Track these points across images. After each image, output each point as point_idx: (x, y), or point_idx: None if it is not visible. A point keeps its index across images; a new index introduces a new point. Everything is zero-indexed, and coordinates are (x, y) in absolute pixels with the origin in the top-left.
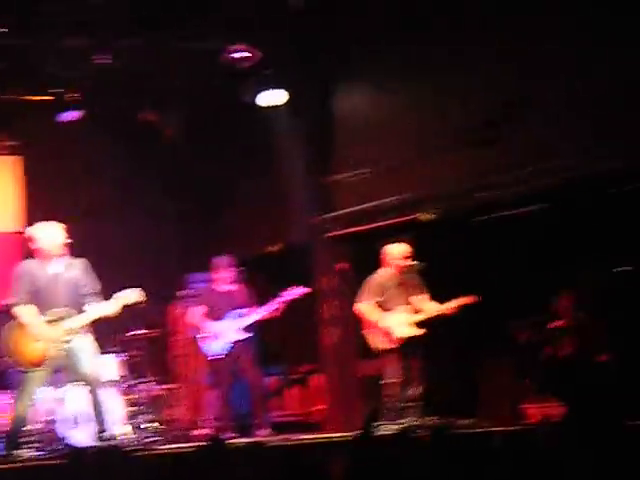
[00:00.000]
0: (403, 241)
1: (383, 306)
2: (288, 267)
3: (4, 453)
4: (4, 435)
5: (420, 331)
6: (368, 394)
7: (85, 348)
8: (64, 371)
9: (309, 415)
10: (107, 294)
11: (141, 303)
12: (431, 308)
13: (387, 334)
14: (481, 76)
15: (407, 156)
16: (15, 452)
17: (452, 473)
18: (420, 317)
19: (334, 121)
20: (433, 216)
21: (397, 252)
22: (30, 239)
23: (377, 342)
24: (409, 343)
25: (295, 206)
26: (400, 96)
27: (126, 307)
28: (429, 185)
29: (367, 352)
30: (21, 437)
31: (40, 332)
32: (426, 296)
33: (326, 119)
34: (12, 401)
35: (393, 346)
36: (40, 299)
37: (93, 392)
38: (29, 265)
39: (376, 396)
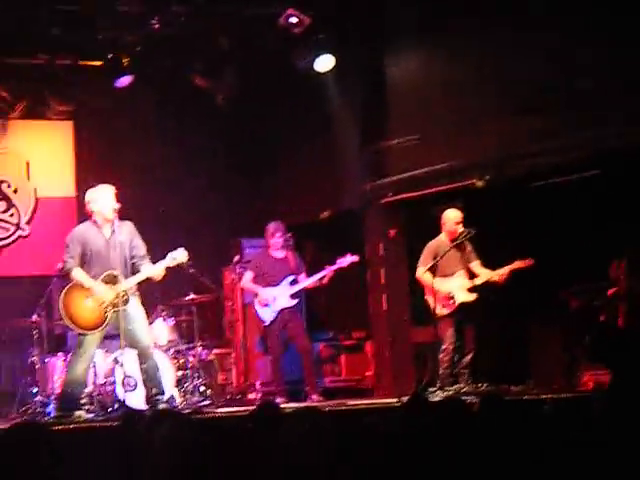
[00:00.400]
0: (455, 207)
1: (440, 271)
2: (339, 234)
3: (59, 414)
4: (60, 396)
5: (475, 297)
6: (419, 360)
7: (137, 312)
8: (117, 334)
9: (360, 381)
10: (159, 257)
11: (187, 263)
12: (486, 273)
13: (446, 299)
14: (533, 42)
15: (459, 121)
16: (70, 413)
17: (502, 440)
18: (475, 282)
19: (386, 87)
20: (484, 183)
21: (452, 218)
22: (84, 203)
23: (436, 307)
24: (465, 309)
25: (346, 172)
26: (452, 62)
27: (174, 268)
28: (481, 151)
29: (418, 319)
30: (77, 399)
31: (94, 294)
32: (479, 262)
33: (378, 85)
34: (68, 364)
35: (451, 311)
36: (93, 262)
37: (145, 356)
38: (81, 229)
39: (427, 362)
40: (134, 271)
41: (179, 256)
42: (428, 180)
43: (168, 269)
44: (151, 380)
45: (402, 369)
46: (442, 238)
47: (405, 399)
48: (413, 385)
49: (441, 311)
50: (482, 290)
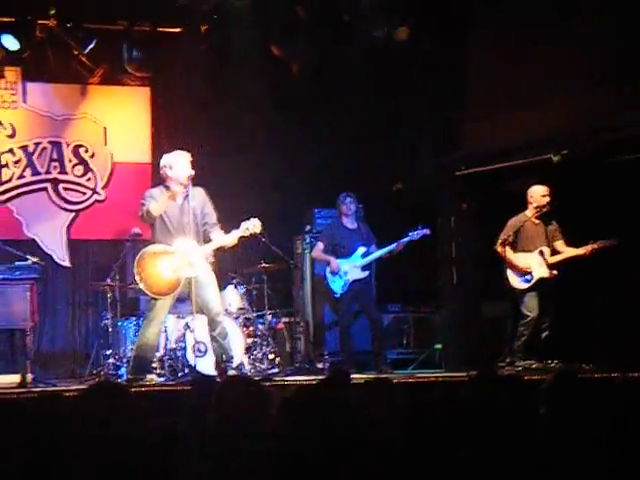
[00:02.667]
0: (532, 182)
1: (522, 246)
2: (411, 206)
3: (131, 377)
4: (132, 360)
5: (554, 273)
6: (489, 334)
7: (209, 279)
8: (189, 300)
9: (429, 354)
10: (232, 225)
11: (261, 234)
12: (567, 251)
13: (524, 274)
14: (613, 10)
15: (536, 93)
16: (142, 377)
17: (570, 417)
18: (556, 259)
19: (464, 59)
20: (560, 157)
21: (539, 191)
22: (159, 167)
23: (514, 282)
24: (543, 285)
25: (420, 145)
26: (532, 32)
27: (247, 238)
28: (558, 124)
29: (489, 293)
30: (149, 363)
31: (186, 260)
32: (562, 241)
33: (456, 56)
34: (140, 327)
35: (529, 286)
36: (166, 226)
37: (215, 323)
38: (155, 191)
39: (497, 336)
40: (205, 238)
41: (252, 226)
42: (502, 154)
43: (240, 238)
44: (220, 346)
45: (471, 343)
46: (527, 214)
47: (474, 373)
48: (482, 359)
49: (519, 285)
50: (562, 268)
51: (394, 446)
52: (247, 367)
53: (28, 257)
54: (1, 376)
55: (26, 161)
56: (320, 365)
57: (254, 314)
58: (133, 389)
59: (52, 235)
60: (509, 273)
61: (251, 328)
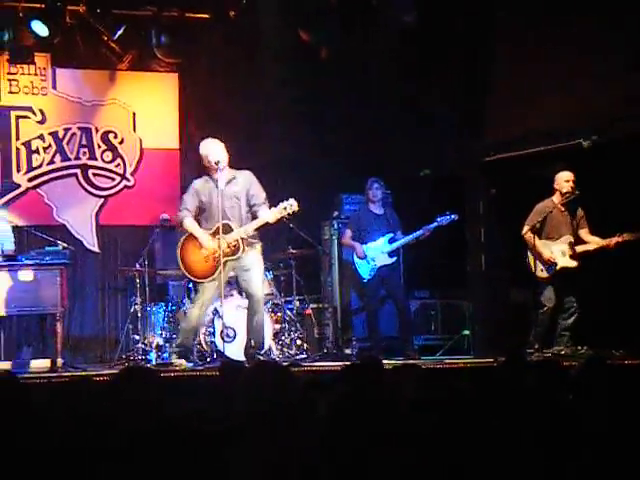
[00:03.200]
0: (561, 168)
1: (546, 234)
2: (439, 192)
3: (175, 360)
4: (179, 344)
5: (576, 264)
6: (516, 321)
7: (254, 262)
8: (231, 284)
9: (457, 340)
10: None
11: (289, 218)
12: (592, 241)
13: (547, 262)
14: None
15: (565, 79)
16: (175, 361)
17: (598, 403)
18: (582, 249)
19: (491, 44)
20: (590, 143)
21: (562, 176)
22: (201, 157)
23: (537, 269)
24: (567, 273)
25: (448, 130)
26: (560, 16)
27: (285, 218)
28: (588, 110)
29: (517, 279)
30: (190, 346)
31: (207, 244)
32: (587, 230)
33: (483, 41)
34: (185, 311)
35: (550, 275)
36: (208, 213)
37: (255, 308)
38: (198, 182)
39: (525, 323)
40: (253, 218)
41: (289, 206)
42: (531, 140)
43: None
44: (254, 332)
45: (499, 329)
46: (554, 200)
47: (502, 359)
48: (510, 345)
49: (541, 273)
50: (585, 258)
51: (426, 432)
52: (275, 352)
53: (58, 242)
54: (32, 361)
55: (56, 147)
56: (348, 351)
57: (282, 300)
58: (162, 374)
59: (82, 221)
60: (532, 260)
61: (279, 314)
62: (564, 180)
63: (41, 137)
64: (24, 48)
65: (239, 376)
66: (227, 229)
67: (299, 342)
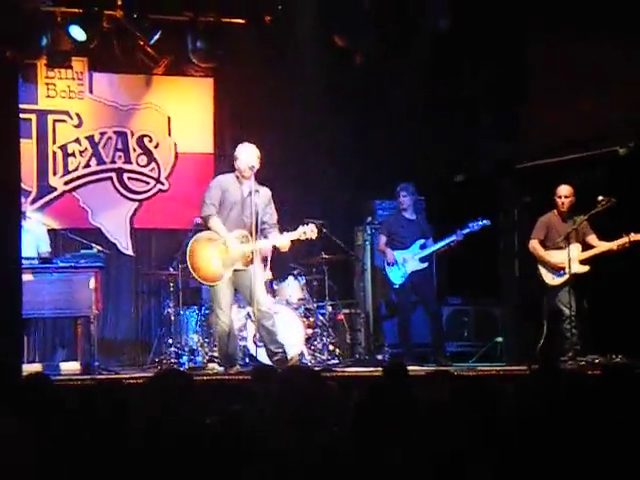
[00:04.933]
0: (596, 176)
1: (553, 244)
2: (472, 198)
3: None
4: (219, 354)
5: (587, 268)
6: (549, 328)
7: (258, 273)
8: (239, 291)
9: (489, 347)
10: (294, 217)
11: (317, 238)
12: (600, 246)
13: (558, 270)
14: None
15: (602, 85)
16: (230, 366)
17: (620, 413)
18: (587, 255)
19: (525, 50)
20: (627, 150)
21: (557, 191)
22: (233, 157)
23: (547, 278)
24: (578, 280)
25: (482, 137)
26: (594, 21)
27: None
28: (625, 116)
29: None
30: (234, 351)
31: (227, 244)
32: (595, 236)
33: (518, 48)
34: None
35: (563, 281)
36: (228, 213)
37: (263, 315)
38: (224, 178)
39: (557, 330)
40: (264, 236)
41: (309, 231)
42: (567, 147)
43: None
44: (271, 337)
45: (533, 336)
46: (555, 212)
47: (535, 367)
48: (544, 353)
49: (552, 281)
50: (599, 261)
51: (455, 437)
52: (307, 357)
53: (93, 246)
54: (64, 363)
55: (92, 150)
56: (380, 357)
57: (314, 305)
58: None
59: (116, 224)
60: (542, 270)
61: (311, 319)
62: (557, 195)
63: (77, 141)
64: (62, 53)
65: (271, 381)
66: (245, 239)
67: (331, 347)
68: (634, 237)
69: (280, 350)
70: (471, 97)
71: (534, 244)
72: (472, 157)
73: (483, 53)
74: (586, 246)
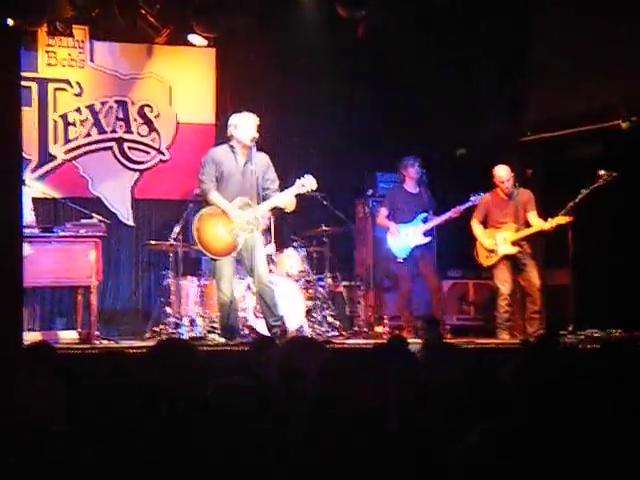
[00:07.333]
0: (596, 150)
1: (490, 223)
2: (474, 171)
3: (224, 336)
4: (221, 326)
5: (517, 250)
6: (550, 303)
7: (259, 243)
8: (240, 262)
9: (489, 321)
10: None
11: (316, 190)
12: (534, 225)
13: (489, 251)
14: None
15: (604, 59)
16: (232, 337)
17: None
18: (518, 236)
19: (530, 24)
20: (629, 124)
21: (498, 175)
22: (227, 126)
23: (482, 258)
24: (511, 259)
25: (484, 110)
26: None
27: (308, 200)
28: (628, 91)
29: (552, 260)
30: (235, 323)
31: (230, 216)
32: (535, 212)
33: (522, 22)
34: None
35: (494, 263)
36: (225, 185)
37: (264, 286)
38: (218, 150)
39: (559, 305)
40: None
41: (307, 183)
42: (568, 120)
43: (302, 201)
44: (272, 309)
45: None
46: (497, 192)
47: (528, 340)
48: (543, 327)
49: (486, 261)
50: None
51: (457, 411)
52: (307, 329)
53: (93, 215)
54: (60, 332)
55: (92, 120)
56: (379, 329)
57: (314, 277)
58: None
59: (117, 194)
60: (480, 250)
61: (311, 291)
62: (500, 180)
63: (78, 110)
64: (63, 20)
65: (271, 352)
66: (247, 206)
67: (330, 319)
68: (561, 220)
69: (279, 323)
70: (475, 71)
71: (473, 223)
72: (474, 130)
73: (486, 26)
74: (527, 223)
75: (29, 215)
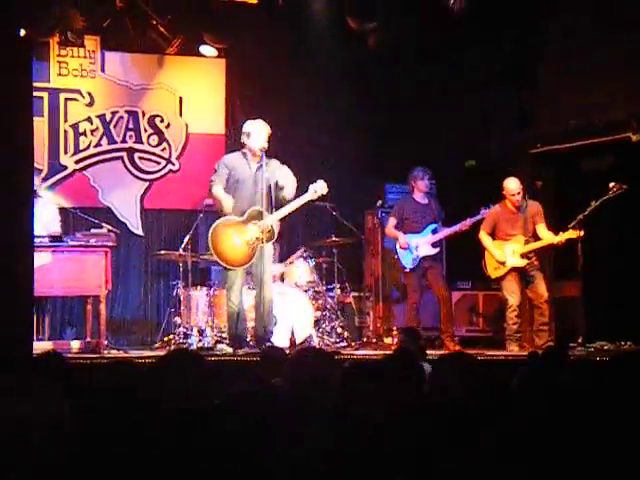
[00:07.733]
0: (608, 162)
1: (499, 236)
2: (484, 183)
3: (231, 345)
4: (229, 336)
5: (526, 262)
6: (559, 315)
7: (268, 251)
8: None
9: (498, 332)
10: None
11: (325, 201)
12: (544, 239)
13: (499, 262)
14: None
15: (615, 72)
16: (239, 347)
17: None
18: (527, 249)
19: (541, 35)
20: (639, 136)
21: (509, 188)
22: (241, 133)
23: (490, 270)
24: (519, 272)
25: (495, 121)
26: (610, 6)
27: (317, 210)
28: (638, 103)
29: (561, 272)
30: (243, 332)
31: (257, 231)
32: (544, 225)
33: (533, 31)
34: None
35: (503, 275)
36: (238, 192)
37: (265, 293)
38: (231, 156)
39: (568, 317)
40: (280, 204)
41: (319, 187)
42: (579, 133)
43: (312, 211)
44: (266, 317)
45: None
46: (506, 204)
47: (534, 352)
48: (551, 339)
49: (494, 273)
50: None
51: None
52: (315, 340)
53: (103, 225)
54: (71, 342)
55: (103, 130)
56: (388, 340)
57: (324, 287)
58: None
59: (126, 204)
60: (489, 261)
61: (320, 301)
62: (509, 194)
63: (89, 120)
64: (74, 31)
65: (280, 362)
66: (259, 215)
67: (339, 330)
68: (570, 235)
69: (268, 337)
70: (484, 82)
71: (482, 234)
72: (484, 142)
73: (497, 37)
74: (536, 235)
75: (55, 224)
